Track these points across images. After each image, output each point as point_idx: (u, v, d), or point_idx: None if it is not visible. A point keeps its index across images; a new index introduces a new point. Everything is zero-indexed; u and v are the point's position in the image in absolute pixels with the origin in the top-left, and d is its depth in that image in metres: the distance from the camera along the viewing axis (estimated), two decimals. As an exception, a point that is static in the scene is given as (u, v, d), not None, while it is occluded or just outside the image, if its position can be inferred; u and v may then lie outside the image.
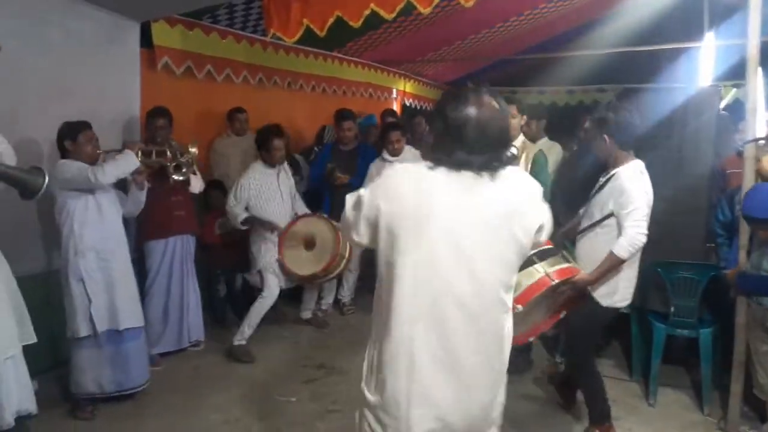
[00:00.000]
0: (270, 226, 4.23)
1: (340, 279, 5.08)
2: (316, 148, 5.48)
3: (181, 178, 3.81)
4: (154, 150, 3.67)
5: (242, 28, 5.22)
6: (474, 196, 1.46)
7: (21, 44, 3.38)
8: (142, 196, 3.54)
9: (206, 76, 4.98)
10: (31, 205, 3.49)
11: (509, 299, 1.57)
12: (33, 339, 2.76)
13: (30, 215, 3.57)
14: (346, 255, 4.24)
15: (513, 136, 4.05)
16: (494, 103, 1.49)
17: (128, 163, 3.26)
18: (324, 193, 4.86)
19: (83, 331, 3.22)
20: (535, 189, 1.57)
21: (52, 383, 3.56)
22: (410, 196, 1.48)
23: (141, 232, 3.97)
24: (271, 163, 4.29)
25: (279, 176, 4.37)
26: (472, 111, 1.45)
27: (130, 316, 3.37)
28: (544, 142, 4.29)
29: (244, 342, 4.17)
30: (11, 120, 3.31)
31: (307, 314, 4.83)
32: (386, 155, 4.65)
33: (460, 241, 1.44)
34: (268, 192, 4.28)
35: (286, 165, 4.53)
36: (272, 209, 4.28)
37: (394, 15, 3.75)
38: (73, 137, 3.23)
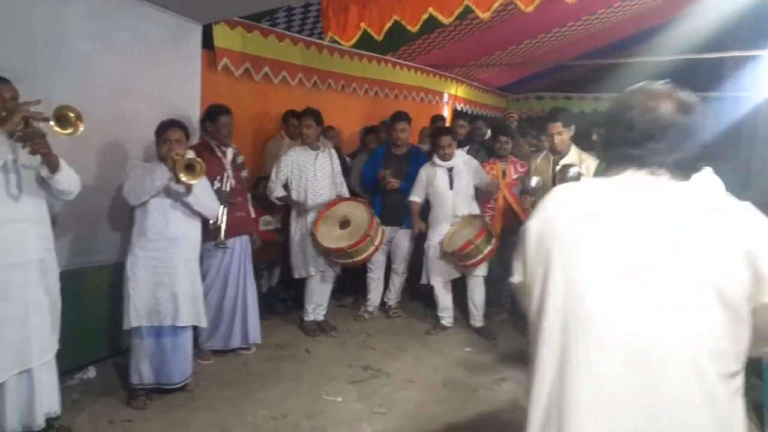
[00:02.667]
0: (299, 207, 4.45)
1: (386, 281, 5.10)
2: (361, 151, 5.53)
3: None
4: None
5: (299, 31, 5.32)
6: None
7: (93, 45, 3.53)
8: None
9: (263, 77, 5.09)
10: (104, 200, 3.67)
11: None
12: (56, 347, 2.84)
13: (102, 210, 3.72)
14: (376, 243, 4.42)
15: (563, 151, 4.00)
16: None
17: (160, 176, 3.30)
18: (375, 196, 4.89)
19: (126, 323, 3.32)
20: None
21: (113, 370, 3.73)
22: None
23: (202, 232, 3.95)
24: (307, 142, 4.50)
25: (317, 158, 4.54)
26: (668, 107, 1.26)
27: (174, 313, 3.39)
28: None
29: (309, 319, 4.62)
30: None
31: (318, 315, 4.80)
32: (437, 160, 4.65)
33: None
34: (304, 171, 4.49)
35: (332, 151, 4.69)
36: (307, 188, 4.50)
37: (451, 19, 3.74)
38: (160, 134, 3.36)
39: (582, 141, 4.22)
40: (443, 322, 4.75)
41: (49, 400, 2.80)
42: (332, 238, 4.36)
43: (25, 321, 2.66)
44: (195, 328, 3.88)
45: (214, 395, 3.55)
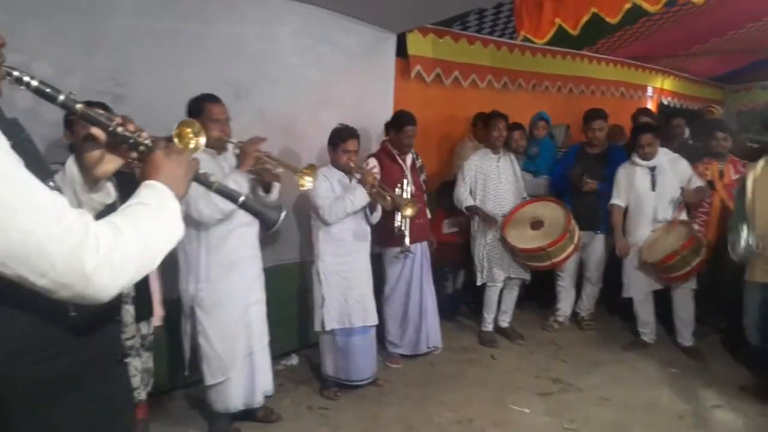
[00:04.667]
0: (490, 221, 4.31)
1: (579, 290, 4.82)
2: (535, 149, 5.23)
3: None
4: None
5: (490, 32, 5.26)
6: None
7: (300, 60, 3.87)
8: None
9: (453, 82, 5.13)
10: (289, 204, 3.92)
11: None
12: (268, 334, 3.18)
13: (289, 213, 4.01)
14: (575, 241, 4.20)
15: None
16: None
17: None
18: (564, 197, 4.61)
19: (317, 325, 3.55)
20: None
21: (312, 358, 4.04)
22: None
23: (381, 238, 4.01)
24: (491, 145, 4.39)
25: (500, 160, 4.43)
26: None
27: (362, 315, 3.57)
28: None
29: (488, 328, 4.49)
30: (291, 126, 3.80)
31: (504, 322, 4.66)
32: (636, 159, 4.25)
33: None
34: (489, 175, 4.39)
35: (510, 153, 4.58)
36: (495, 192, 4.39)
37: (658, 7, 3.41)
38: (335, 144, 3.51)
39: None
40: (644, 338, 4.33)
41: (265, 380, 3.14)
42: (526, 239, 4.21)
43: (248, 309, 3.03)
44: (383, 331, 4.04)
45: (402, 393, 3.65)
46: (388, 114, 4.52)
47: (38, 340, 1.04)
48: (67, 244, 0.89)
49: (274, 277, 3.44)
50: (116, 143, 1.22)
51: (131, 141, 1.19)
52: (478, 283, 4.51)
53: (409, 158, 4.10)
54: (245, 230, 3.00)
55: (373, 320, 3.65)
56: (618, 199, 4.31)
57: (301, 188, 2.91)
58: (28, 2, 2.66)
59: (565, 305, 4.81)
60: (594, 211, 4.44)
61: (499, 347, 4.40)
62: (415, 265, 4.08)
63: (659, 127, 4.74)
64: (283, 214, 1.40)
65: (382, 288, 4.09)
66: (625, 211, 4.33)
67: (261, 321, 3.12)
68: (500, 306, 4.59)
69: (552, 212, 4.30)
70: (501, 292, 4.54)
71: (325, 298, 3.49)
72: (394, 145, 4.02)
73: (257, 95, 3.60)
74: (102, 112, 1.19)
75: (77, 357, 1.12)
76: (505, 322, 4.63)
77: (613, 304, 4.86)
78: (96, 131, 1.19)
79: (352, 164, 3.47)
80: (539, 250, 4.10)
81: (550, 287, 4.85)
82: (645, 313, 4.30)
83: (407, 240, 3.81)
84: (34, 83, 1.08)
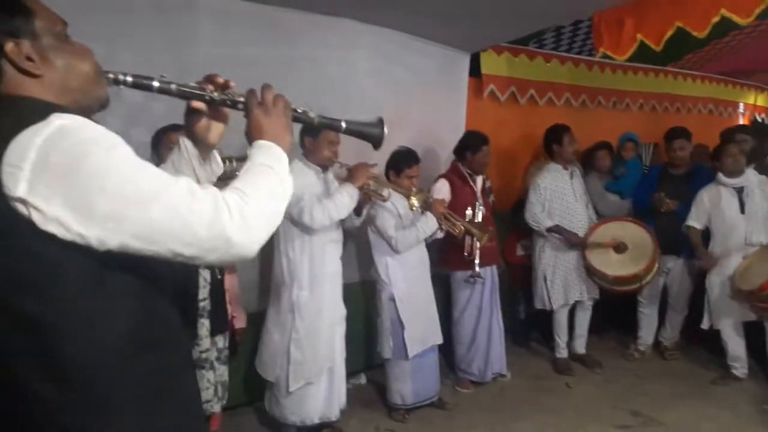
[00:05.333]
0: (574, 239, 4.14)
1: (662, 318, 4.55)
2: (623, 168, 5.02)
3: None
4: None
5: (567, 50, 5.15)
6: None
7: (374, 82, 3.92)
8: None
9: (528, 100, 5.04)
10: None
11: None
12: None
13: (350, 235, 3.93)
14: (659, 263, 4.07)
15: None
16: None
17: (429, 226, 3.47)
18: (648, 218, 4.38)
19: (387, 353, 3.52)
20: None
21: (379, 378, 4.01)
22: None
23: (450, 260, 3.98)
24: (562, 160, 4.25)
25: (572, 177, 4.29)
26: None
27: (432, 335, 3.58)
28: None
29: (562, 355, 4.33)
30: (364, 146, 3.81)
31: (580, 348, 4.44)
32: (722, 178, 3.99)
33: None
34: (561, 192, 4.23)
35: (579, 168, 4.45)
36: (567, 210, 4.22)
37: (750, 19, 3.23)
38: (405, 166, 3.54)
39: None
40: (734, 372, 4.02)
41: (342, 394, 3.21)
42: (612, 264, 4.03)
43: (337, 322, 3.18)
44: (452, 355, 3.99)
45: (471, 418, 3.57)
46: (460, 134, 4.50)
47: (147, 335, 1.08)
48: (206, 213, 0.98)
49: (352, 295, 3.47)
50: (216, 107, 1.29)
51: (228, 102, 1.25)
52: (546, 308, 4.33)
53: (479, 180, 4.04)
54: (335, 246, 3.16)
55: (440, 339, 3.66)
56: (694, 221, 4.07)
57: (412, 208, 3.18)
58: (123, 34, 2.84)
59: (646, 333, 4.56)
60: (676, 233, 4.19)
61: (575, 375, 4.22)
62: (485, 290, 3.99)
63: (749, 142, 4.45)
64: (385, 130, 1.40)
65: (451, 311, 4.04)
66: (708, 235, 4.09)
67: (342, 336, 3.23)
68: (574, 330, 4.41)
69: (633, 234, 4.10)
70: (573, 314, 4.37)
71: (406, 325, 3.46)
72: (469, 165, 3.98)
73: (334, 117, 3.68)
74: (194, 84, 1.24)
75: (178, 354, 1.19)
76: (581, 347, 4.44)
77: (700, 333, 4.55)
78: (196, 103, 1.26)
79: (413, 188, 3.46)
80: (634, 277, 3.93)
81: (630, 313, 4.62)
82: (736, 345, 3.99)
83: (477, 266, 3.77)
84: (130, 79, 1.15)
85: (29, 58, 1.03)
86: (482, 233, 3.61)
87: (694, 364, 4.38)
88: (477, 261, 3.76)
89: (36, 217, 0.92)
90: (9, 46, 1.01)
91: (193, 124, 1.30)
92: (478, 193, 3.98)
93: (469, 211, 3.83)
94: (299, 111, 1.31)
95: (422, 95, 4.28)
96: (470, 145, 3.98)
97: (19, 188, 0.91)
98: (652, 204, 4.28)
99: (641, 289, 4.24)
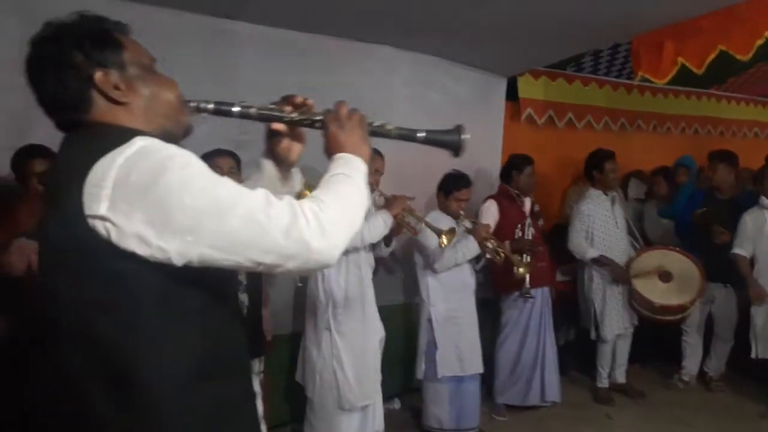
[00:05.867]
0: (620, 274, 4.03)
1: (707, 347, 4.40)
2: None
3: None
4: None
5: (606, 73, 5.12)
6: None
7: (411, 107, 3.96)
8: None
9: (566, 124, 5.01)
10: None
11: None
12: None
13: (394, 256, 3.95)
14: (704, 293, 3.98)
15: None
16: None
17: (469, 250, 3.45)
18: (692, 242, 4.25)
19: (420, 373, 3.51)
20: None
21: (415, 401, 3.98)
22: None
23: (500, 282, 3.97)
24: (604, 187, 4.17)
25: (613, 203, 4.20)
26: None
27: (472, 362, 3.50)
28: None
29: (604, 384, 4.21)
30: (401, 170, 3.83)
31: (621, 377, 4.31)
32: (765, 201, 3.89)
33: None
34: (603, 219, 4.14)
35: (620, 193, 4.38)
36: (608, 237, 4.13)
37: (796, 42, 3.15)
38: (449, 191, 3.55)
39: None
40: (784, 405, 3.86)
41: (375, 419, 3.17)
42: (657, 292, 3.93)
43: (377, 349, 3.16)
44: (489, 380, 3.92)
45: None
46: (497, 157, 4.50)
47: (214, 361, 1.08)
48: (284, 221, 1.00)
49: (385, 318, 3.44)
50: (294, 128, 1.33)
51: (306, 121, 1.27)
52: (596, 338, 4.23)
53: (527, 202, 4.04)
54: (368, 269, 3.15)
55: (481, 368, 3.57)
56: (741, 249, 3.96)
57: (441, 246, 3.17)
58: (165, 61, 2.93)
59: (691, 363, 4.41)
60: (721, 261, 4.05)
61: (616, 405, 4.10)
62: (534, 312, 3.93)
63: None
64: (464, 136, 1.38)
65: (497, 334, 3.99)
66: (752, 261, 3.96)
67: (379, 360, 3.20)
68: (615, 359, 4.29)
69: (679, 263, 3.98)
70: (614, 343, 4.26)
71: (439, 345, 3.45)
72: (516, 186, 4.01)
73: (371, 141, 3.72)
74: (273, 106, 1.27)
75: (243, 381, 1.19)
76: (621, 376, 4.31)
77: (746, 364, 4.36)
78: (277, 125, 1.30)
79: (461, 212, 3.48)
80: (680, 308, 3.84)
81: (674, 342, 4.48)
82: (785, 377, 3.84)
83: (527, 282, 3.73)
84: (211, 106, 1.21)
85: (117, 87, 1.09)
86: (521, 265, 3.55)
87: (740, 396, 4.21)
88: (527, 278, 3.73)
89: (114, 235, 0.95)
90: (98, 75, 1.07)
91: (275, 146, 1.35)
92: (527, 213, 3.97)
93: (518, 231, 3.83)
94: (376, 124, 1.31)
95: (459, 120, 4.18)
96: (515, 165, 4.03)
97: (100, 206, 0.94)
98: (697, 225, 4.19)
99: (684, 320, 4.12)
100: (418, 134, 1.34)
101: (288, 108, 1.27)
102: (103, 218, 0.95)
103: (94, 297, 0.99)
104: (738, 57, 3.38)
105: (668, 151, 5.86)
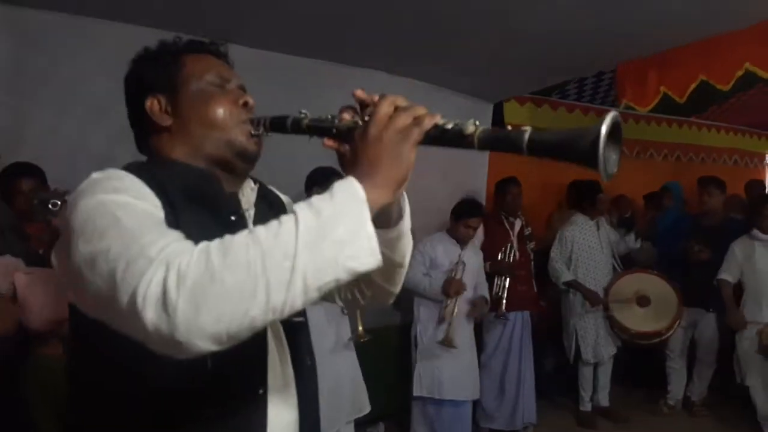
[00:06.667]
0: (594, 298, 4.08)
1: (690, 371, 4.42)
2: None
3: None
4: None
5: (590, 100, 5.21)
6: None
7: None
8: None
9: (552, 149, 5.07)
10: None
11: None
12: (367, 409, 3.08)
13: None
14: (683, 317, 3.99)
15: None
16: None
17: None
18: (673, 271, 4.30)
19: (416, 389, 3.48)
20: None
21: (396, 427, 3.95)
22: None
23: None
24: (592, 215, 4.26)
25: (599, 228, 4.28)
26: None
27: (453, 389, 3.45)
28: None
29: (587, 408, 4.25)
30: (411, 193, 3.88)
31: (604, 400, 4.33)
32: (757, 233, 3.94)
33: None
34: (589, 245, 4.21)
35: (604, 219, 4.44)
36: (592, 262, 4.20)
37: (775, 74, 3.24)
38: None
39: None
40: (766, 430, 3.88)
41: None
42: (636, 318, 3.97)
43: (354, 374, 3.05)
44: (476, 401, 3.88)
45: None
46: (482, 181, 4.54)
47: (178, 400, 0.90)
48: (131, 275, 0.77)
49: (370, 341, 3.45)
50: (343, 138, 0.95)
51: (348, 129, 0.93)
52: (572, 361, 4.27)
53: (517, 224, 4.07)
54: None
55: (467, 395, 3.53)
56: (727, 274, 4.00)
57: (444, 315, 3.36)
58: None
59: (676, 387, 4.43)
60: (705, 287, 4.11)
61: (599, 429, 4.10)
62: (514, 335, 3.95)
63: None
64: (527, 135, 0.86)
65: (479, 356, 3.97)
66: (740, 290, 4.01)
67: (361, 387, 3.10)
68: (597, 381, 4.30)
69: (656, 287, 4.04)
70: (595, 366, 4.28)
71: (417, 362, 3.47)
72: (502, 207, 4.08)
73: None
74: (323, 118, 0.97)
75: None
76: (605, 400, 4.32)
77: (729, 389, 4.40)
78: (329, 142, 0.95)
79: (468, 239, 3.54)
80: (656, 334, 3.87)
81: (656, 365, 4.51)
82: (765, 403, 3.85)
83: (503, 306, 3.76)
84: (267, 121, 1.03)
85: (165, 111, 1.04)
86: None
87: (723, 422, 4.23)
88: (504, 301, 3.77)
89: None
90: (148, 101, 1.04)
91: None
92: (513, 237, 4.00)
93: (500, 254, 3.88)
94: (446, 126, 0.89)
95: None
96: (500, 187, 4.12)
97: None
98: (681, 253, 4.22)
99: (663, 342, 4.15)
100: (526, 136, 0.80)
101: (347, 116, 0.94)
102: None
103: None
104: (719, 87, 3.46)
105: (651, 176, 5.97)
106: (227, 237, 0.75)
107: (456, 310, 3.45)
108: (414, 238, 1.13)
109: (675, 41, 3.39)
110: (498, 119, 4.73)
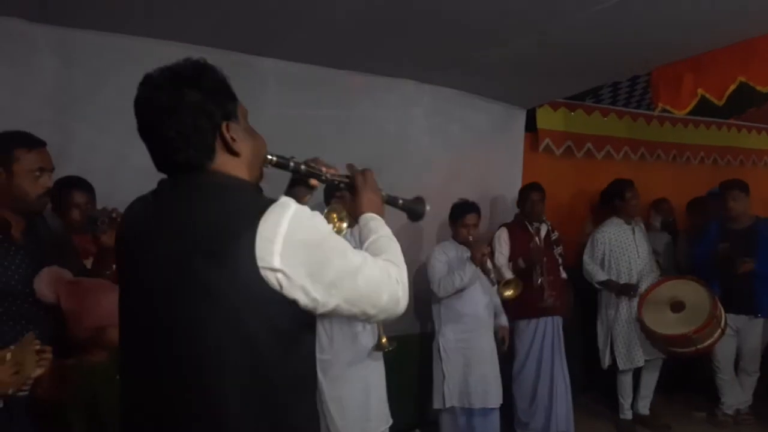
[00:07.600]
0: (628, 291, 4.02)
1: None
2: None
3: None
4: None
5: (625, 104, 5.14)
6: None
7: (431, 139, 4.02)
8: None
9: (585, 154, 5.01)
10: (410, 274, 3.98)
11: None
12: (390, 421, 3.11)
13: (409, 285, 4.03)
14: (722, 325, 3.77)
15: None
16: None
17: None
18: (712, 279, 4.18)
19: (437, 403, 3.47)
20: None
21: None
22: None
23: (510, 309, 3.90)
24: (625, 215, 4.20)
25: (635, 232, 4.21)
26: None
27: (482, 396, 3.43)
28: None
29: (626, 416, 4.19)
30: (447, 199, 3.87)
31: (644, 409, 4.23)
32: None
33: None
34: (623, 247, 4.16)
35: (641, 223, 4.37)
36: (627, 265, 4.14)
37: (818, 73, 3.15)
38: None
39: None
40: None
41: None
42: (666, 323, 3.86)
43: (379, 384, 3.07)
44: (512, 411, 3.87)
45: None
46: (517, 187, 4.50)
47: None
48: (387, 282, 1.21)
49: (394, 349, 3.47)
50: (329, 187, 1.52)
51: (336, 183, 1.46)
52: (605, 367, 4.21)
53: (543, 229, 4.03)
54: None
55: (495, 402, 3.49)
56: None
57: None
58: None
59: (730, 398, 4.27)
60: (749, 292, 4.00)
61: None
62: (545, 342, 3.90)
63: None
64: (427, 207, 1.59)
65: (510, 362, 3.95)
66: None
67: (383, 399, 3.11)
68: (639, 389, 4.23)
69: (694, 293, 3.89)
70: (639, 373, 4.19)
71: (446, 375, 3.44)
72: (524, 214, 4.04)
73: (391, 173, 3.74)
74: (315, 166, 1.44)
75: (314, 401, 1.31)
76: (645, 408, 4.24)
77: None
78: (314, 181, 1.47)
79: (471, 238, 3.49)
80: (682, 337, 3.73)
81: (699, 373, 4.40)
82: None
83: (546, 294, 3.78)
84: (275, 159, 1.35)
85: (233, 138, 1.19)
86: (506, 285, 3.52)
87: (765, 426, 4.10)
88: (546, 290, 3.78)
89: (285, 285, 1.08)
90: (224, 125, 1.17)
91: (301, 195, 1.48)
92: (540, 242, 3.96)
93: (520, 261, 3.84)
94: (384, 194, 1.51)
95: (478, 150, 4.33)
96: (522, 193, 4.11)
97: (274, 259, 1.06)
98: (720, 260, 4.10)
99: (698, 354, 3.92)
100: (399, 200, 1.57)
101: (324, 168, 1.44)
102: (276, 270, 1.07)
103: (249, 334, 1.08)
104: (758, 88, 3.38)
105: (689, 180, 5.84)
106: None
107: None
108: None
109: (713, 44, 3.34)
110: (531, 125, 4.70)
